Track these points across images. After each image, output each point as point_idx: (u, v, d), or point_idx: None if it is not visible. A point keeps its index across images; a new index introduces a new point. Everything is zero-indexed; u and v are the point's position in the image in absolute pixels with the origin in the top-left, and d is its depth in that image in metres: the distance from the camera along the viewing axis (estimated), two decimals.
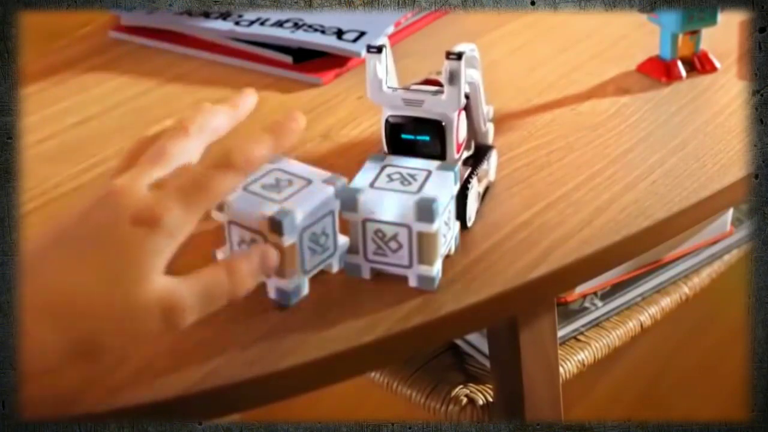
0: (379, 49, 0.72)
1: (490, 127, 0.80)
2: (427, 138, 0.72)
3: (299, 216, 0.65)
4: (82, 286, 0.56)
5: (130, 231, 0.57)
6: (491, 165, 0.80)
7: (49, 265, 0.57)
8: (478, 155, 0.78)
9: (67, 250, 0.57)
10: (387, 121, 0.73)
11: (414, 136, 0.72)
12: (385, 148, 0.74)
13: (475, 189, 0.75)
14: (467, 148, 0.77)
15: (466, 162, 0.76)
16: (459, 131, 0.73)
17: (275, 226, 0.64)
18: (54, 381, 0.60)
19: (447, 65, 0.70)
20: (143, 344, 0.61)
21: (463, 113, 0.74)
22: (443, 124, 0.72)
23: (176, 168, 0.62)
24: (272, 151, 0.64)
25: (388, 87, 0.72)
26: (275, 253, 0.64)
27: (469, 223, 0.75)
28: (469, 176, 0.74)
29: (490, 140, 0.80)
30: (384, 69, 0.72)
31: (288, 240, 0.64)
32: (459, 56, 0.70)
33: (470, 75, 0.75)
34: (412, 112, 0.72)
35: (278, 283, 0.67)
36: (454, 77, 0.70)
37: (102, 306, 0.56)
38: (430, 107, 0.71)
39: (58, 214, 0.61)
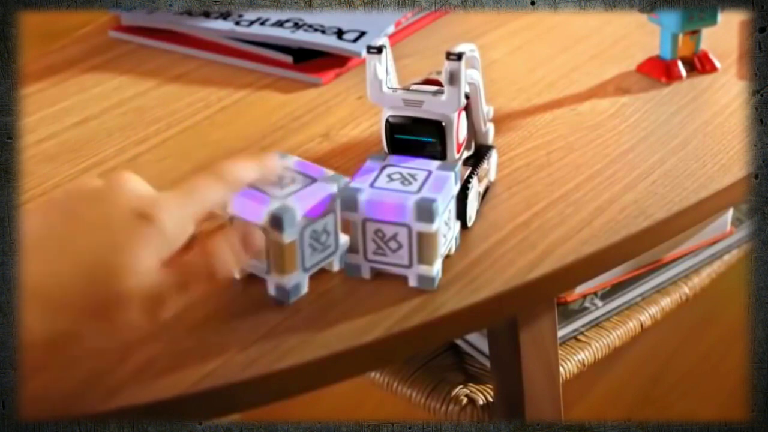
0: (379, 50, 0.72)
1: (490, 127, 0.80)
2: (428, 139, 0.72)
3: (300, 213, 0.65)
4: (66, 274, 0.56)
5: (128, 221, 0.58)
6: (491, 165, 0.80)
7: (41, 248, 0.57)
8: (479, 155, 0.78)
9: (59, 232, 0.58)
10: (387, 121, 0.73)
11: (414, 137, 0.72)
12: (386, 149, 0.74)
13: (476, 189, 0.75)
14: (467, 148, 0.77)
15: (466, 162, 0.76)
16: (459, 131, 0.73)
17: (275, 222, 0.64)
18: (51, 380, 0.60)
19: (447, 66, 0.70)
20: (124, 336, 0.60)
21: (463, 113, 0.74)
22: (443, 124, 0.72)
23: None
24: (252, 177, 0.65)
25: (388, 87, 0.72)
26: (258, 233, 0.64)
27: (470, 223, 0.75)
28: (470, 176, 0.74)
29: (490, 140, 0.80)
30: (384, 69, 0.72)
31: (288, 237, 0.65)
32: (459, 57, 0.70)
33: (470, 75, 0.75)
34: (412, 112, 0.72)
35: (278, 281, 0.67)
36: (454, 78, 0.70)
37: (82, 296, 0.56)
38: (430, 108, 0.71)
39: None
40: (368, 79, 0.72)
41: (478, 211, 0.76)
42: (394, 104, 0.72)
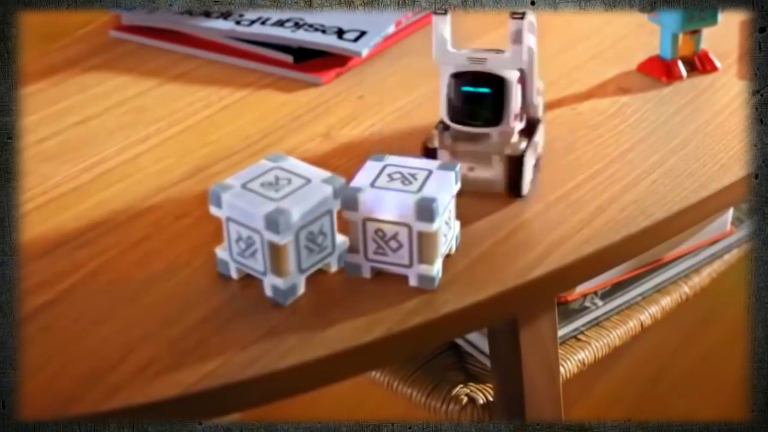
0: (445, 11, 0.76)
1: (540, 101, 0.81)
2: (486, 90, 0.75)
3: (295, 215, 0.65)
4: None
5: None
6: (540, 138, 0.81)
7: None
8: (530, 128, 0.80)
9: None
10: (452, 75, 0.76)
11: (475, 89, 0.76)
12: (445, 117, 0.76)
13: (531, 160, 0.77)
14: (520, 120, 0.78)
15: (520, 134, 0.78)
16: (516, 97, 0.76)
17: (271, 224, 0.64)
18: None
19: (512, 24, 0.74)
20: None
21: (519, 86, 0.76)
22: (505, 79, 0.75)
23: None
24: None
25: (452, 48, 0.76)
26: None
27: (524, 192, 0.77)
28: (526, 148, 0.77)
29: (540, 114, 0.81)
30: (449, 30, 0.76)
31: (283, 239, 0.65)
32: (522, 15, 0.74)
33: (530, 40, 0.77)
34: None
35: (274, 282, 0.67)
36: (518, 35, 0.74)
37: None
38: (494, 65, 0.75)
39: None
40: (435, 39, 0.76)
41: (531, 181, 0.78)
42: (459, 62, 0.76)
